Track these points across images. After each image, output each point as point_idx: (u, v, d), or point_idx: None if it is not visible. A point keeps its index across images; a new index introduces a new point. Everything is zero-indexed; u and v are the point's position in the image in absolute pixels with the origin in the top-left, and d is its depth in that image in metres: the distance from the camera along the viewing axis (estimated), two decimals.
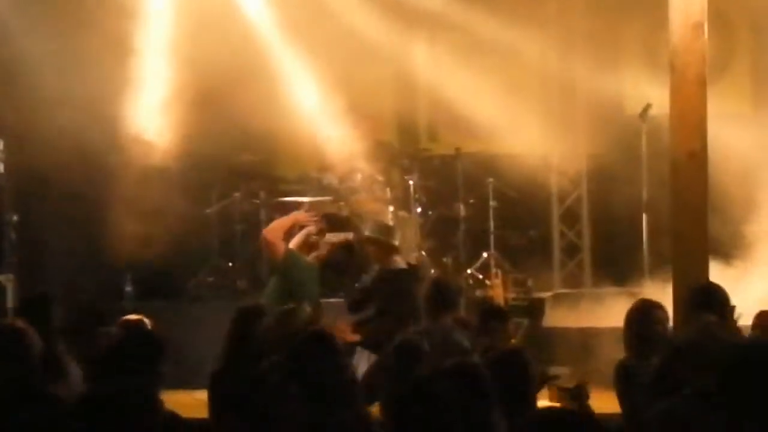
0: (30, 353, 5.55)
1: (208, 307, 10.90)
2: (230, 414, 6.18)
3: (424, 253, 11.39)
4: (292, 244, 9.35)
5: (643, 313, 6.51)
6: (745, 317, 6.97)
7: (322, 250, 9.41)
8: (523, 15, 12.00)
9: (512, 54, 12.13)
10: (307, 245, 9.43)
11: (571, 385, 5.90)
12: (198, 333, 10.17)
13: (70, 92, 10.66)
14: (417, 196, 11.67)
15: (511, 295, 11.03)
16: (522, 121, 12.05)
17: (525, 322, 9.99)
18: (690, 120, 8.14)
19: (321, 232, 9.59)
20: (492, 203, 11.79)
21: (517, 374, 5.16)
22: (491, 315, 7.60)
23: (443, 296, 7.80)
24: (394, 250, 9.44)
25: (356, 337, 8.65)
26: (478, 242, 11.81)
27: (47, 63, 11.09)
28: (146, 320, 7.14)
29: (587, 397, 6.05)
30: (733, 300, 6.77)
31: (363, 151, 11.76)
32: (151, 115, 11.43)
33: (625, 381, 6.29)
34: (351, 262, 10.25)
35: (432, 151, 12.67)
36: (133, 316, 7.27)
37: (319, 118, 11.79)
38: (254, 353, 6.49)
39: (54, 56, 11.09)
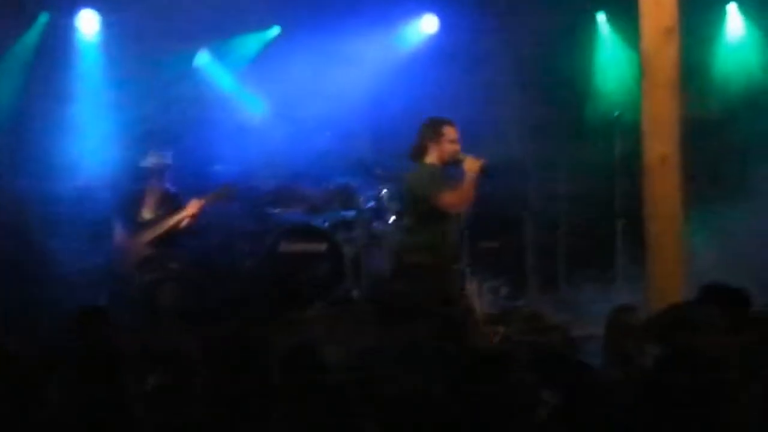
0: None
1: None
2: None
3: None
4: None
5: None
6: None
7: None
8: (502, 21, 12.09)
9: (490, 59, 12.17)
10: None
11: None
12: None
13: None
14: (391, 205, 11.65)
15: (486, 304, 10.99)
16: (499, 128, 12.07)
17: (501, 329, 9.98)
18: (662, 124, 8.10)
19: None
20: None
21: None
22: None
23: None
24: None
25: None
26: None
27: None
28: None
29: None
30: None
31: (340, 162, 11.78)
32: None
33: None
34: None
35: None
36: None
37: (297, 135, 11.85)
38: None
39: None
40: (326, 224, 11.52)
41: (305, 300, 11.06)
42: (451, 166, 8.50)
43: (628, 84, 11.31)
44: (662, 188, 8.10)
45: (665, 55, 8.08)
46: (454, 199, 8.33)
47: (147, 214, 9.87)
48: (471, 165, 8.35)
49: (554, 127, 12.50)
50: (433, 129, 8.53)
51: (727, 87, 12.41)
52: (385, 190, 11.54)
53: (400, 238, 8.63)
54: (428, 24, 12.91)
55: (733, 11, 12.71)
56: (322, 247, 11.32)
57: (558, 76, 12.46)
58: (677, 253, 8.12)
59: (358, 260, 11.38)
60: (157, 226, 9.73)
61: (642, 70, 8.18)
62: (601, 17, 12.87)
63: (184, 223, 9.73)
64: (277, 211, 11.73)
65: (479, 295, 10.89)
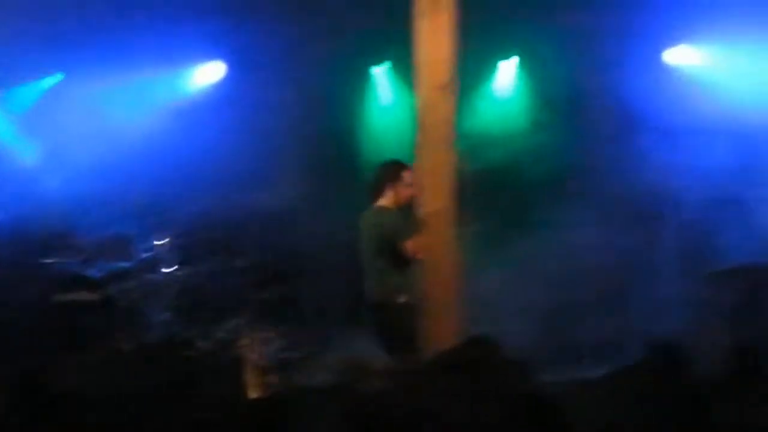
0: None
1: None
2: None
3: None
4: None
5: None
6: None
7: None
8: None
9: (274, 107, 12.20)
10: None
11: None
12: None
13: None
14: (171, 253, 11.53)
15: (260, 354, 10.94)
16: (279, 177, 12.08)
17: (276, 379, 9.98)
18: (436, 179, 8.19)
19: None
20: (242, 262, 11.70)
21: None
22: None
23: None
24: None
25: None
26: (231, 301, 11.68)
27: None
28: None
29: None
30: None
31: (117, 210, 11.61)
32: None
33: None
34: None
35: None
36: None
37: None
38: None
39: None
40: (99, 275, 11.31)
41: (76, 349, 10.80)
42: (405, 208, 8.63)
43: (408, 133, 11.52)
44: (437, 241, 8.22)
45: (440, 111, 8.16)
46: (416, 246, 8.43)
47: None
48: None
49: (331, 177, 12.59)
50: (391, 172, 8.70)
51: (499, 140, 12.76)
52: (162, 241, 11.40)
53: (374, 278, 8.65)
54: (215, 70, 12.89)
55: (504, 67, 13.11)
56: (95, 297, 11.13)
57: (338, 126, 12.58)
58: (452, 305, 8.26)
59: (133, 311, 11.21)
60: None
61: (417, 126, 8.27)
62: (377, 71, 13.08)
63: None
64: (49, 260, 11.45)
65: (256, 346, 10.85)
